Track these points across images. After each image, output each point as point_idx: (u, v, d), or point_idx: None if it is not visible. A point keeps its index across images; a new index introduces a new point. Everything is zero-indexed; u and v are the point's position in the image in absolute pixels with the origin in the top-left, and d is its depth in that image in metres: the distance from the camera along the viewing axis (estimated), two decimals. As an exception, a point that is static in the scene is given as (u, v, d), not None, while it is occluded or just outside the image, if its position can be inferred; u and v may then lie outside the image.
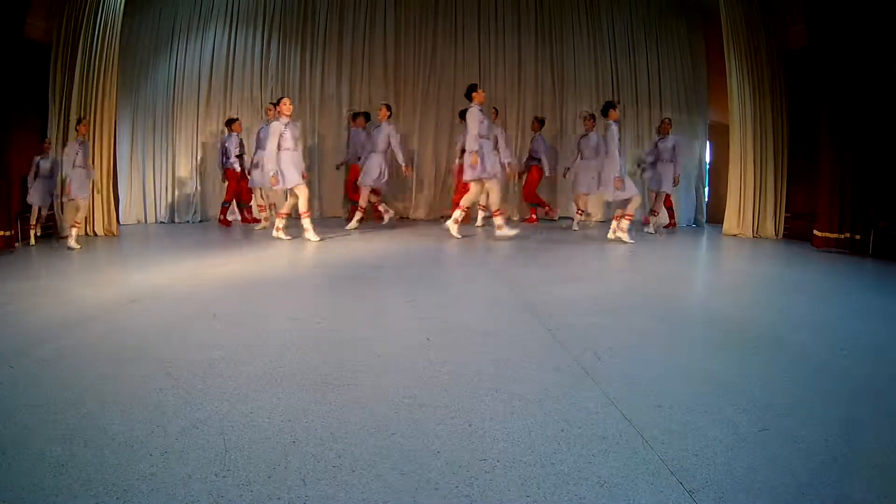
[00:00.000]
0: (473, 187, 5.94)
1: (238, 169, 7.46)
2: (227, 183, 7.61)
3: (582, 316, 2.98)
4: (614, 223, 6.04)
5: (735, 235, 6.94)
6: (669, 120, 7.38)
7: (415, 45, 8.82)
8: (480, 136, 5.67)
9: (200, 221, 8.28)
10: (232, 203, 7.80)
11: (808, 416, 1.77)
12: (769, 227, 6.84)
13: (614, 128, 5.80)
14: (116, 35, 6.43)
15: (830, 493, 1.35)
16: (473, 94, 5.75)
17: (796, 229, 6.63)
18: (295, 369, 2.14)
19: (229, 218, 7.79)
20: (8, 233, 5.24)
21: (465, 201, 6.10)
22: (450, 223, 6.16)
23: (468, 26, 8.86)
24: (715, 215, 8.78)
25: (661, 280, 4.21)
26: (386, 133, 6.88)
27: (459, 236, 6.03)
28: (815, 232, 5.80)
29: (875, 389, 2.03)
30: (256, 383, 2.00)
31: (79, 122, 5.76)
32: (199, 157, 8.31)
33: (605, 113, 5.90)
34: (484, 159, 5.69)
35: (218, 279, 3.97)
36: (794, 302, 3.53)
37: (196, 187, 8.26)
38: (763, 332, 2.75)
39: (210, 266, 4.50)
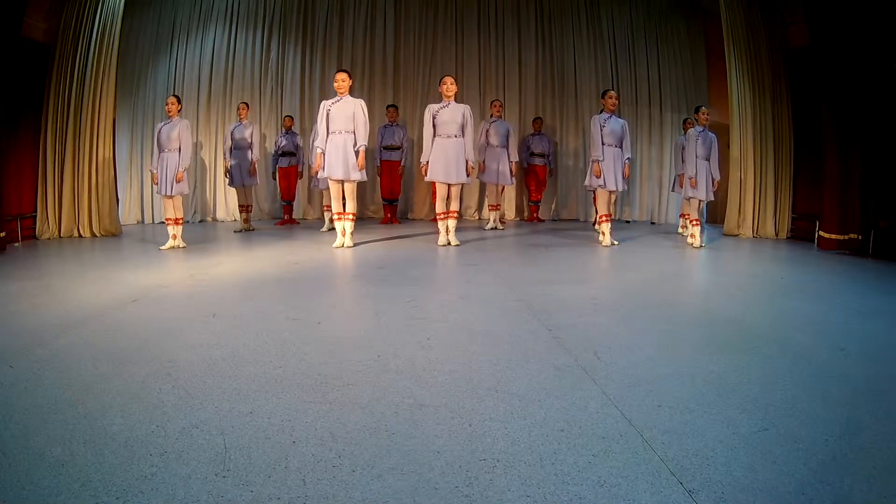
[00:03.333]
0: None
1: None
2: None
3: (582, 316, 2.98)
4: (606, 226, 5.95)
5: (736, 235, 6.94)
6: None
7: (415, 44, 8.81)
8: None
9: (200, 221, 8.28)
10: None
11: (808, 416, 1.77)
12: (769, 228, 6.84)
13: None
14: (116, 35, 6.43)
15: (830, 493, 1.35)
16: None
17: (800, 230, 6.63)
18: (295, 369, 2.14)
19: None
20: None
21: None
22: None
23: (468, 26, 8.86)
24: (715, 215, 8.78)
25: (661, 280, 4.21)
26: (250, 131, 6.98)
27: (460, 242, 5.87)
28: (822, 233, 5.78)
29: (875, 389, 2.03)
30: (256, 383, 2.00)
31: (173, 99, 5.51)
32: (198, 158, 8.31)
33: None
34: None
35: (218, 279, 3.97)
36: (794, 302, 3.53)
37: (196, 187, 8.26)
38: (763, 332, 2.75)
39: (210, 266, 4.50)
